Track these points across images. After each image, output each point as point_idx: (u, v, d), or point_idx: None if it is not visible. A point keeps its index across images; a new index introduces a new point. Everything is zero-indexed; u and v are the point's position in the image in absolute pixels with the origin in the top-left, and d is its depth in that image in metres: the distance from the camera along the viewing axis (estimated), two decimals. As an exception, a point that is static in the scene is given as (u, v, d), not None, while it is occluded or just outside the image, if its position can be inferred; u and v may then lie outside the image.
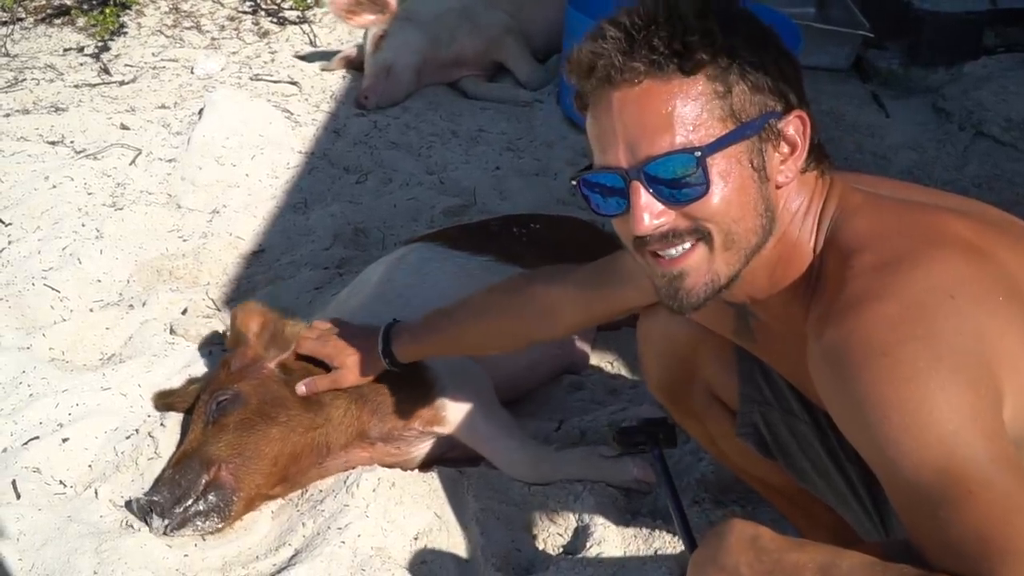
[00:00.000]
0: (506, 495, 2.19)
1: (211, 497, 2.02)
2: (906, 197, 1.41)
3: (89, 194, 3.38)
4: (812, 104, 1.39)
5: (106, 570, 1.91)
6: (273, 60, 4.69)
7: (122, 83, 4.38)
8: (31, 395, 2.38)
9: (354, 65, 4.54)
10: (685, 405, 1.91)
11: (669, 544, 1.99)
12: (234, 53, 4.76)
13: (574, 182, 1.38)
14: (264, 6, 5.18)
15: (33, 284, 2.83)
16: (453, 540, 2.07)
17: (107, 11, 4.72)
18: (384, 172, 3.70)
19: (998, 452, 1.14)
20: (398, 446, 2.25)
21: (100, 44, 4.75)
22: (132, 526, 2.04)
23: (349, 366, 2.13)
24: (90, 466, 2.22)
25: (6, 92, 4.24)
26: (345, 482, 2.14)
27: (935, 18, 4.50)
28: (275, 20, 5.10)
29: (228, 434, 2.08)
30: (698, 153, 1.26)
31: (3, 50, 4.69)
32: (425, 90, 4.39)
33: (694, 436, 2.01)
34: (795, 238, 1.37)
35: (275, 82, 4.41)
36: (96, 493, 2.12)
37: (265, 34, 4.99)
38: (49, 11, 5.02)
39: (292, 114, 4.10)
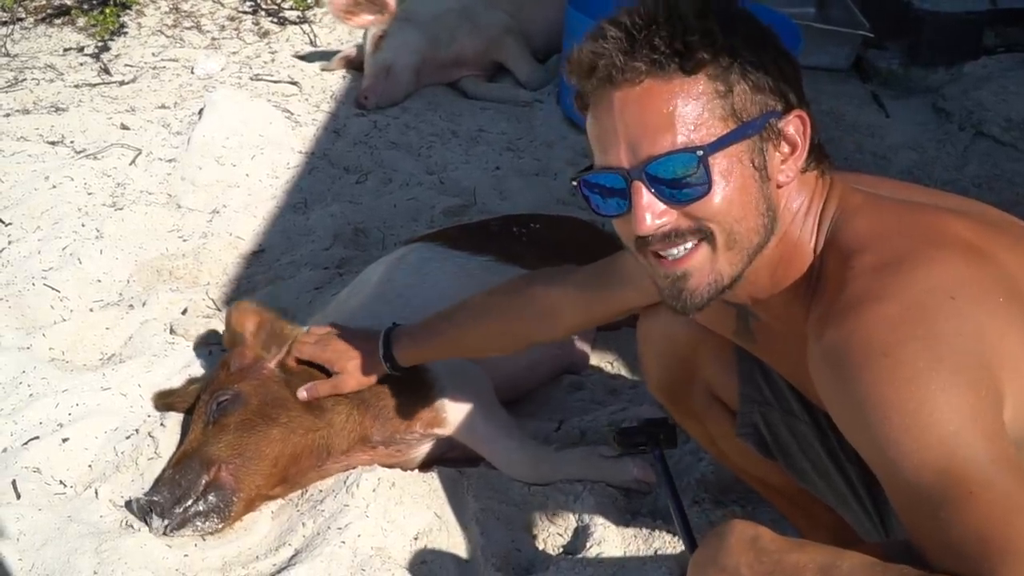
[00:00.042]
0: (506, 495, 2.19)
1: (211, 497, 2.02)
2: (906, 197, 1.41)
3: (89, 194, 3.38)
4: (812, 104, 1.39)
5: (106, 570, 1.91)
6: (273, 60, 4.69)
7: (122, 83, 4.39)
8: (31, 395, 2.38)
9: (354, 65, 4.55)
10: (685, 405, 1.91)
11: (669, 544, 1.99)
12: (234, 53, 4.76)
13: (574, 183, 1.38)
14: (264, 6, 5.19)
15: (33, 284, 2.83)
16: (453, 540, 2.07)
17: (107, 11, 4.72)
18: (384, 172, 3.70)
19: (999, 453, 1.14)
20: (399, 449, 2.25)
21: (100, 44, 4.75)
22: (132, 526, 2.04)
23: (350, 371, 2.13)
24: (90, 466, 2.22)
25: (6, 92, 4.24)
26: (345, 482, 2.14)
27: (935, 18, 4.50)
28: (275, 20, 5.10)
29: (228, 434, 2.08)
30: (700, 152, 1.26)
31: (3, 50, 4.69)
32: (425, 90, 4.39)
33: (694, 436, 2.01)
34: (796, 238, 1.37)
35: (275, 82, 4.41)
36: (96, 493, 2.12)
37: (265, 34, 4.99)
38: (49, 11, 5.02)
39: (292, 114, 4.10)
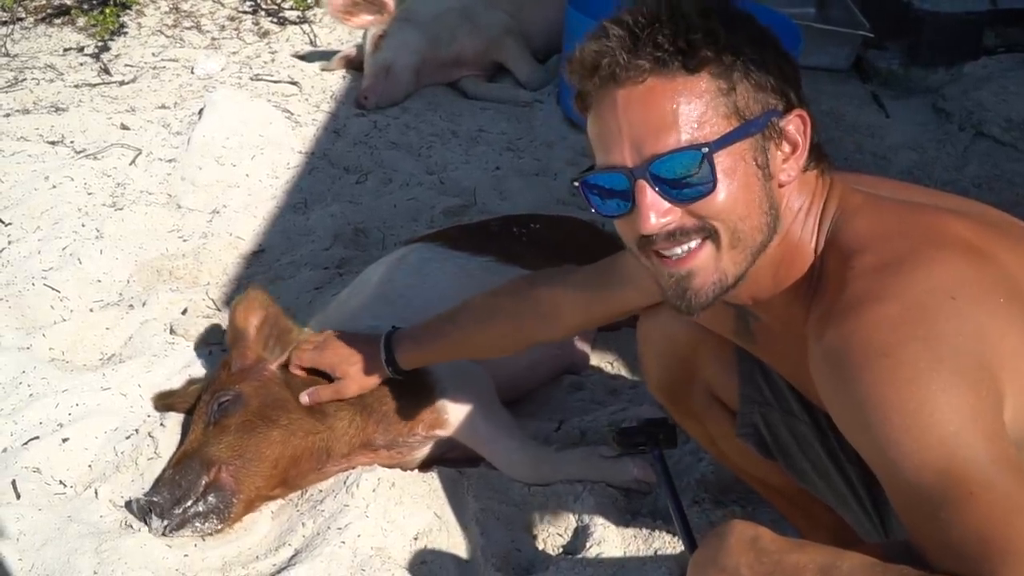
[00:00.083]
0: (506, 495, 2.19)
1: (211, 498, 2.02)
2: (906, 198, 1.41)
3: (89, 194, 3.38)
4: (812, 104, 1.39)
5: (106, 570, 1.91)
6: (273, 60, 4.69)
7: (122, 83, 4.38)
8: (31, 395, 2.37)
9: (354, 65, 4.54)
10: (685, 405, 1.91)
11: (669, 544, 1.99)
12: (234, 53, 4.76)
13: (576, 183, 1.38)
14: (264, 6, 5.19)
15: (33, 284, 2.83)
16: (453, 540, 2.07)
17: (107, 11, 4.72)
18: (384, 172, 3.70)
19: (999, 453, 1.14)
20: (401, 451, 2.25)
21: (100, 44, 4.75)
22: (132, 526, 2.04)
23: (352, 376, 2.12)
24: (90, 466, 2.22)
25: (6, 92, 4.24)
26: (345, 482, 2.14)
27: (935, 18, 4.50)
28: (275, 20, 5.10)
29: (229, 435, 2.07)
30: (705, 149, 1.26)
31: (3, 50, 4.69)
32: (425, 90, 4.39)
33: (694, 436, 2.01)
34: (797, 238, 1.38)
35: (275, 82, 4.41)
36: (96, 493, 2.12)
37: (265, 34, 4.99)
38: (49, 11, 5.02)
39: (292, 114, 4.10)
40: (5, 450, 2.22)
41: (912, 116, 4.27)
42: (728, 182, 1.28)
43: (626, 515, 2.13)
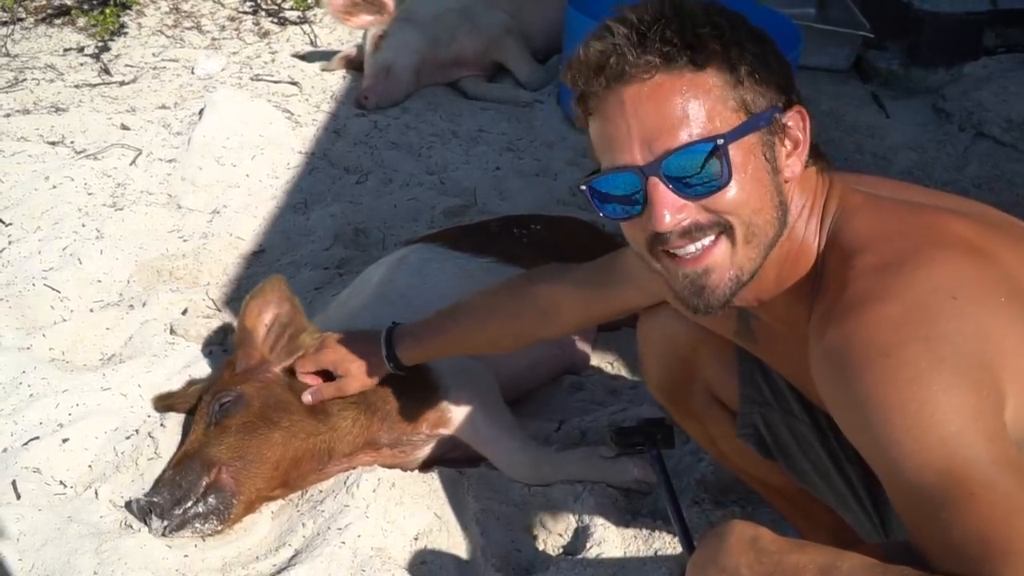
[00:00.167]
0: (506, 495, 2.19)
1: (211, 499, 2.02)
2: (906, 198, 1.41)
3: (89, 194, 3.38)
4: (812, 104, 1.40)
5: (106, 570, 1.91)
6: (273, 60, 4.69)
7: (122, 83, 4.38)
8: (31, 395, 2.37)
9: (354, 65, 4.54)
10: (685, 406, 1.91)
11: (669, 544, 1.99)
12: (234, 53, 4.76)
13: (583, 187, 1.37)
14: (264, 6, 5.18)
15: (33, 284, 2.83)
16: (453, 540, 2.07)
17: (107, 11, 4.72)
18: (384, 172, 3.70)
19: (1000, 454, 1.14)
20: (404, 450, 2.25)
21: (100, 44, 4.75)
22: (132, 527, 2.04)
23: (353, 373, 2.12)
24: (90, 466, 2.22)
25: (6, 92, 4.24)
26: (345, 482, 2.14)
27: (935, 18, 4.50)
28: (275, 20, 5.10)
29: (230, 436, 2.07)
30: (720, 141, 1.26)
31: (3, 50, 4.69)
32: (425, 90, 4.39)
33: (694, 437, 2.01)
34: (800, 237, 1.38)
35: (275, 82, 4.41)
36: (96, 493, 2.12)
37: (265, 34, 4.99)
38: (49, 11, 5.02)
39: (292, 114, 4.10)
40: (5, 450, 2.22)
41: (912, 116, 4.27)
42: (741, 175, 1.28)
43: (626, 515, 2.13)
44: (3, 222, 3.18)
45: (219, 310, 2.81)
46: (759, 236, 1.32)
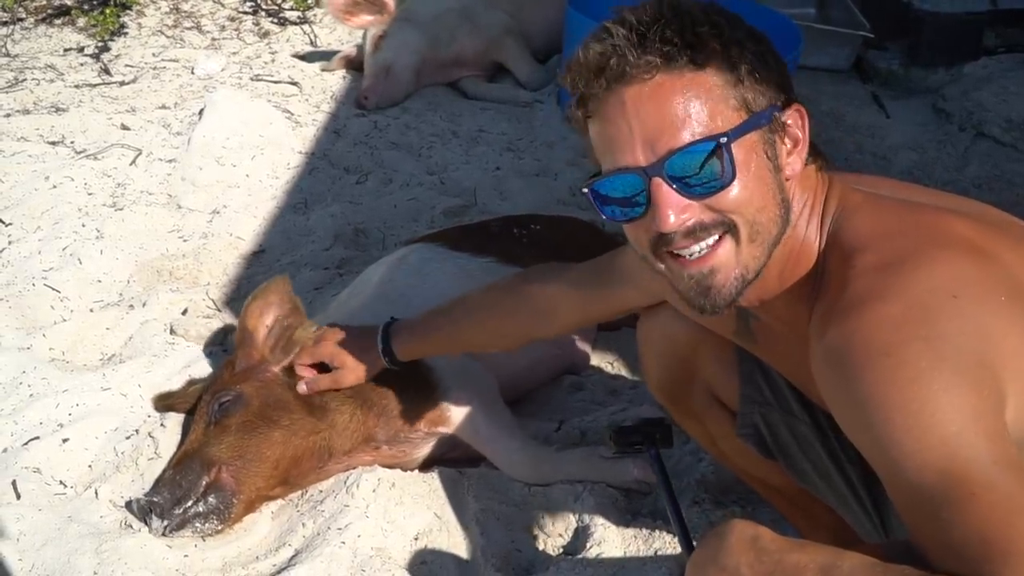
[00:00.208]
0: (506, 495, 2.19)
1: (211, 499, 2.02)
2: (906, 197, 1.41)
3: (89, 194, 3.38)
4: (812, 104, 1.40)
5: (106, 570, 1.91)
6: (273, 60, 4.69)
7: (122, 83, 4.38)
8: (31, 395, 2.37)
9: (354, 65, 4.54)
10: (685, 405, 1.90)
11: (669, 544, 1.99)
12: (234, 53, 4.76)
13: (585, 190, 1.36)
14: (264, 6, 5.18)
15: (33, 284, 2.83)
16: (453, 540, 2.07)
17: (107, 11, 4.72)
18: (384, 172, 3.70)
19: (1000, 453, 1.14)
20: (403, 448, 2.25)
21: (100, 44, 4.75)
22: (132, 526, 2.04)
23: (349, 366, 2.13)
24: (90, 466, 2.22)
25: (6, 92, 4.24)
26: (345, 482, 2.14)
27: (935, 18, 4.50)
28: (275, 20, 5.10)
29: (229, 436, 2.07)
30: (724, 139, 1.26)
31: (3, 50, 4.69)
32: (425, 90, 4.39)
33: (694, 437, 2.01)
34: (802, 235, 1.38)
35: (275, 82, 4.41)
36: (96, 493, 2.12)
37: (265, 34, 4.99)
38: (49, 11, 5.02)
39: (292, 114, 4.10)
40: (5, 450, 2.22)
41: (912, 116, 4.27)
42: (744, 174, 1.28)
43: (626, 515, 2.13)
44: (3, 222, 3.18)
45: (219, 310, 2.82)
46: (763, 234, 1.32)
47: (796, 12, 4.43)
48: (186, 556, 1.99)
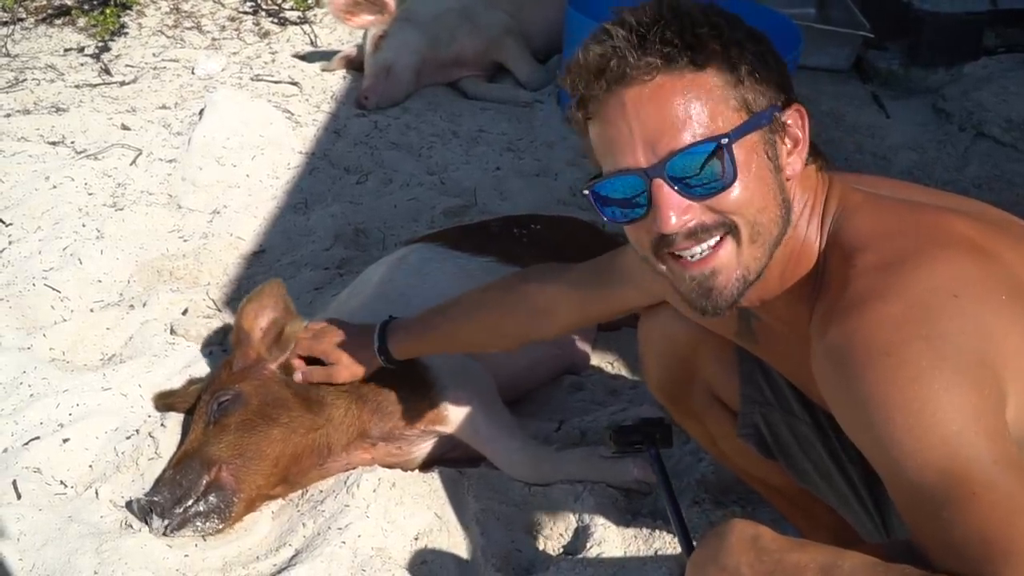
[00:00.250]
0: (506, 495, 2.19)
1: (211, 498, 2.02)
2: (906, 197, 1.41)
3: (90, 194, 3.38)
4: (812, 104, 1.40)
5: (106, 570, 1.91)
6: (274, 60, 4.69)
7: (123, 83, 4.39)
8: (32, 395, 2.38)
9: (354, 65, 4.55)
10: (685, 405, 1.90)
11: (669, 544, 1.99)
12: (235, 53, 4.76)
13: (586, 192, 1.36)
14: (265, 6, 5.19)
15: (34, 284, 2.83)
16: (453, 540, 2.07)
17: (108, 11, 4.72)
18: (385, 172, 3.70)
19: (1001, 453, 1.14)
20: (399, 446, 2.25)
21: (101, 44, 4.75)
22: (132, 526, 2.04)
23: (344, 363, 2.13)
24: (91, 466, 2.22)
25: (7, 92, 4.24)
26: (345, 482, 2.14)
27: (935, 18, 4.50)
28: (276, 20, 5.10)
29: (229, 435, 2.08)
30: (725, 140, 1.26)
31: (4, 50, 4.69)
32: (425, 90, 4.39)
33: (694, 437, 2.01)
34: (803, 235, 1.38)
35: (276, 82, 4.41)
36: (96, 493, 2.12)
37: (266, 34, 4.99)
38: (50, 11, 5.02)
39: (293, 114, 4.10)
40: (6, 450, 2.22)
41: (912, 116, 4.27)
42: (745, 174, 1.28)
43: (626, 515, 2.13)
44: (3, 222, 3.18)
45: (219, 310, 2.82)
46: (764, 235, 1.32)
47: (796, 12, 4.43)
48: (186, 556, 1.99)
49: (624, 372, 2.69)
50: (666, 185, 1.28)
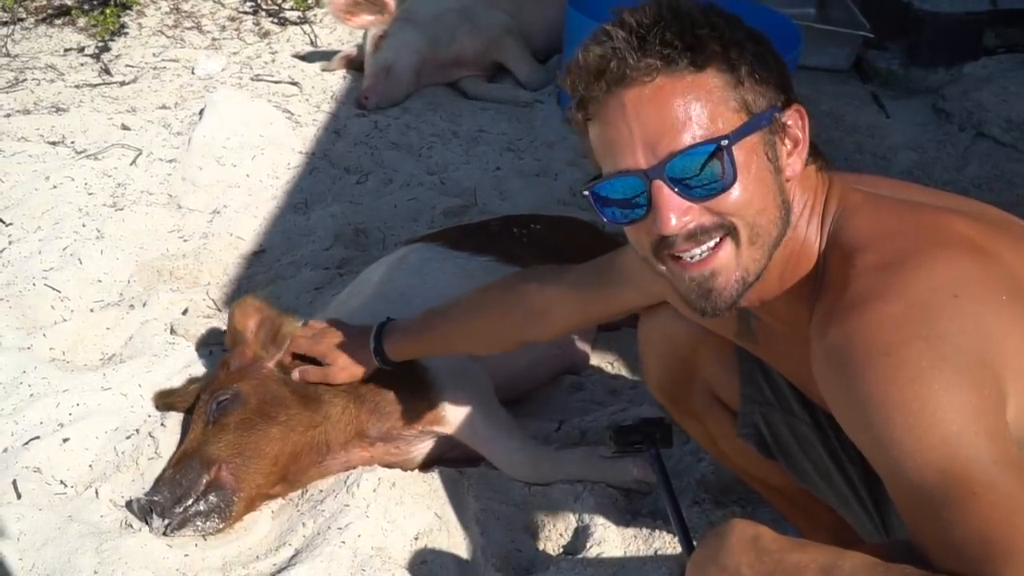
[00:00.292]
0: (506, 495, 2.19)
1: (211, 497, 2.02)
2: (906, 197, 1.41)
3: (90, 194, 3.38)
4: (812, 104, 1.40)
5: (106, 570, 1.91)
6: (274, 60, 4.69)
7: (123, 83, 4.39)
8: (32, 395, 2.38)
9: (354, 65, 4.55)
10: (685, 405, 1.90)
11: (669, 544, 1.99)
12: (235, 53, 4.76)
13: (586, 193, 1.37)
14: (265, 6, 5.19)
15: (34, 284, 2.83)
16: (453, 540, 2.07)
17: (108, 11, 4.72)
18: (385, 172, 3.70)
19: (1001, 453, 1.14)
20: (398, 446, 2.26)
21: (101, 44, 4.75)
22: (132, 526, 2.04)
23: (341, 363, 2.14)
24: (91, 466, 2.22)
25: (7, 92, 4.24)
26: (345, 482, 2.14)
27: (935, 18, 4.50)
28: (276, 20, 5.10)
29: (228, 434, 2.08)
30: (724, 142, 1.26)
31: (4, 50, 4.69)
32: (425, 90, 4.39)
33: (694, 436, 2.01)
34: (803, 236, 1.38)
35: (276, 82, 4.41)
36: (96, 493, 2.12)
37: (266, 34, 4.99)
38: (50, 11, 5.02)
39: (293, 114, 4.10)
40: (6, 450, 2.22)
41: (912, 116, 4.27)
42: (745, 176, 1.28)
43: (626, 515, 2.13)
44: (3, 222, 3.18)
45: (219, 310, 2.82)
46: (763, 236, 1.32)
47: (796, 12, 4.44)
48: (186, 555, 1.99)
49: (624, 372, 2.69)
50: (666, 186, 1.28)
